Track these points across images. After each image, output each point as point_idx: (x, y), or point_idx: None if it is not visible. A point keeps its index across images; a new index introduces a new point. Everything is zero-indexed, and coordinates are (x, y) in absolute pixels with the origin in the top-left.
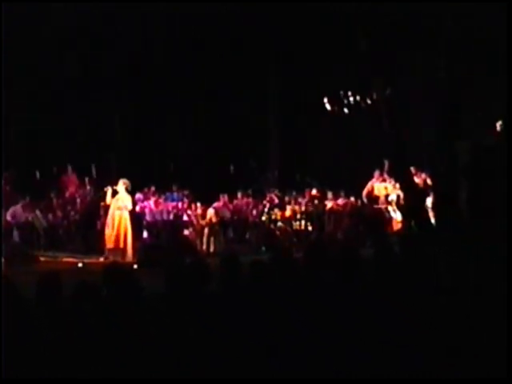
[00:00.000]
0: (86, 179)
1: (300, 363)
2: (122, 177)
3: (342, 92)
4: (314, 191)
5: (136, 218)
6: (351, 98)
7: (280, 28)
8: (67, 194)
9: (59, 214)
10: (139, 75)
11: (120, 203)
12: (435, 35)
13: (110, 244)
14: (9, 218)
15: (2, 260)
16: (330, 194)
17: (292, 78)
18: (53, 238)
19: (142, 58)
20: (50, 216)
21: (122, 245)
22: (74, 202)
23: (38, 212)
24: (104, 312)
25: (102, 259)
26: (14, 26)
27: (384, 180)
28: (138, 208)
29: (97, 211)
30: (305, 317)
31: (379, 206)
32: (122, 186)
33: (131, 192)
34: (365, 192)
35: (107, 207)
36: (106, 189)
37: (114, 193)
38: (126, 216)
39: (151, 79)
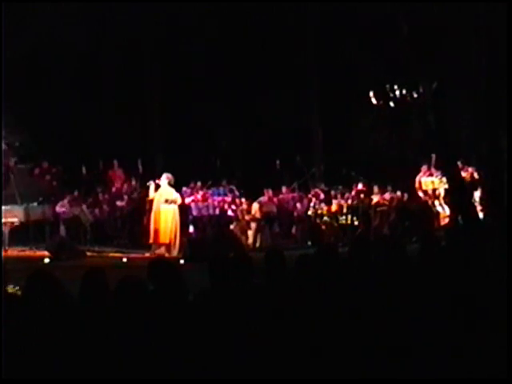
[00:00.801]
0: (132, 174)
1: (345, 358)
2: (168, 172)
3: (387, 86)
4: (360, 186)
5: (182, 212)
6: (397, 92)
7: (323, 20)
8: (113, 189)
9: (105, 208)
10: (185, 71)
11: (164, 198)
12: (475, 23)
13: (156, 239)
14: (56, 213)
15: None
16: (376, 189)
17: (337, 71)
18: (99, 232)
19: (188, 54)
20: (97, 211)
21: (168, 240)
22: (120, 197)
23: (84, 207)
24: (149, 307)
25: (148, 254)
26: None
27: (431, 174)
28: (184, 205)
29: (143, 206)
30: (350, 312)
31: (426, 201)
32: (165, 180)
33: (177, 187)
34: (416, 186)
35: (152, 202)
36: (148, 183)
37: (157, 187)
38: (174, 210)
39: (198, 74)
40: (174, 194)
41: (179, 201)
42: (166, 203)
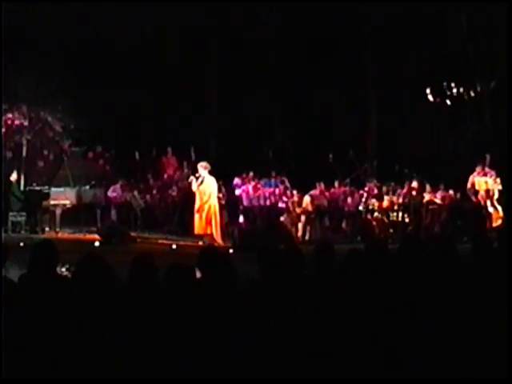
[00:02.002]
0: (185, 162)
1: (393, 355)
2: (220, 161)
3: (445, 83)
4: (414, 183)
5: (232, 202)
6: (454, 90)
7: (380, 17)
8: (165, 176)
9: (157, 195)
10: (242, 61)
11: (204, 188)
12: None
13: (199, 230)
14: (108, 197)
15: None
16: (428, 187)
17: (392, 67)
18: (149, 218)
19: (246, 44)
20: (148, 197)
21: (209, 230)
22: (171, 184)
23: (135, 192)
24: (197, 295)
25: (201, 243)
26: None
27: (485, 174)
28: (235, 195)
29: (193, 195)
30: (398, 309)
31: (479, 201)
32: (202, 169)
33: (228, 176)
34: (468, 186)
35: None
36: (190, 179)
37: (197, 179)
38: (214, 201)
39: (255, 65)
40: (211, 185)
41: (211, 187)
42: (204, 197)
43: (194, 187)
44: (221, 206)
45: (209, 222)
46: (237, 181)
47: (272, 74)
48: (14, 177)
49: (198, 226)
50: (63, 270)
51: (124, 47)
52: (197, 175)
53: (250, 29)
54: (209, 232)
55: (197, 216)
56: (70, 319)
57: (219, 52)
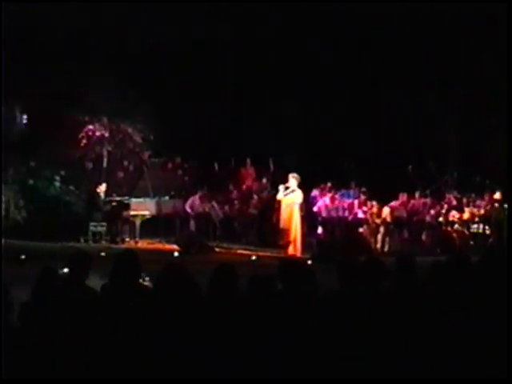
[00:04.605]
0: (263, 173)
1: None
2: (299, 172)
3: None
4: (497, 195)
5: (311, 213)
6: None
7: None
8: (244, 187)
9: (236, 206)
10: (320, 73)
11: (291, 199)
12: None
13: (282, 239)
14: (187, 208)
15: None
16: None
17: (476, 77)
18: (228, 229)
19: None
20: (227, 208)
21: (291, 238)
22: (250, 195)
23: (214, 203)
24: (279, 306)
25: (282, 254)
26: None
27: None
28: (314, 205)
29: (272, 205)
30: (482, 323)
31: None
32: (293, 180)
33: (306, 187)
34: None
35: (280, 202)
36: (279, 187)
37: (287, 189)
38: (296, 210)
39: (332, 75)
40: (298, 196)
41: (299, 201)
42: (288, 205)
43: (280, 195)
44: (301, 218)
45: (290, 231)
46: (315, 192)
47: (351, 85)
48: (101, 189)
49: (281, 235)
50: (146, 280)
51: (202, 58)
52: (286, 185)
53: (325, 40)
54: (291, 239)
55: (281, 225)
56: (153, 329)
57: (295, 61)
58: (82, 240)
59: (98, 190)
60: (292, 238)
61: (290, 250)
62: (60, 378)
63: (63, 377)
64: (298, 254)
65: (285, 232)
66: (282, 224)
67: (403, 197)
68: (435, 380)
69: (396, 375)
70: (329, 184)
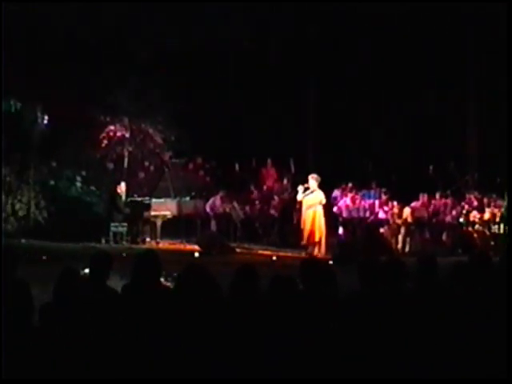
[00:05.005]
0: (284, 174)
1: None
2: (320, 173)
3: None
4: None
5: (332, 213)
6: None
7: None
8: (265, 188)
9: (257, 206)
10: (342, 72)
11: (311, 200)
12: None
13: (304, 240)
14: (208, 209)
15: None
16: None
17: (494, 76)
18: (249, 230)
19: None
20: (248, 208)
21: (316, 239)
22: (271, 195)
23: (235, 203)
24: (300, 306)
25: (303, 254)
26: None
27: None
28: (334, 206)
29: (293, 206)
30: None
31: None
32: (313, 181)
33: (327, 187)
34: None
35: (301, 203)
36: (298, 188)
37: (306, 190)
38: (320, 211)
39: (354, 76)
40: (318, 197)
41: (323, 201)
42: (310, 208)
43: (300, 196)
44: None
45: (316, 232)
46: (336, 193)
47: (371, 85)
48: (121, 188)
49: (304, 236)
50: (167, 280)
51: (224, 58)
52: (306, 186)
53: (349, 41)
54: (317, 240)
55: (303, 226)
56: (174, 330)
57: (319, 64)
58: (103, 240)
59: (119, 190)
60: (317, 238)
61: (316, 251)
62: (80, 378)
63: (83, 377)
64: (323, 255)
65: (307, 233)
66: (303, 225)
67: (424, 197)
68: (449, 380)
69: (417, 376)
70: (350, 184)
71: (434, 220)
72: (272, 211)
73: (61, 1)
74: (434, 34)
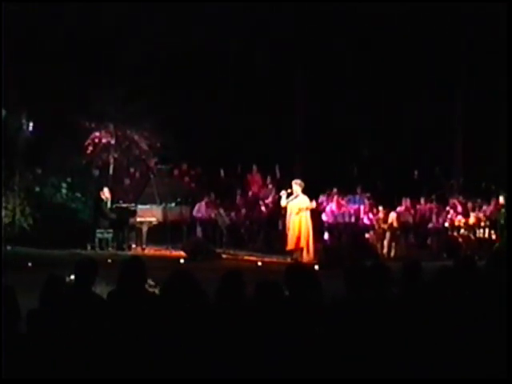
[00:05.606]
0: (269, 179)
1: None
2: (305, 178)
3: None
4: (501, 199)
5: (317, 219)
6: None
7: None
8: (250, 194)
9: (242, 212)
10: (329, 79)
11: (297, 205)
12: None
13: (291, 245)
14: (195, 212)
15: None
16: None
17: (483, 82)
18: (234, 236)
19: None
20: (233, 214)
21: (302, 244)
22: (256, 201)
23: (221, 210)
24: (286, 312)
25: (289, 260)
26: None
27: None
28: (322, 210)
29: (279, 212)
30: (489, 328)
31: None
32: (297, 187)
33: (312, 193)
34: None
35: (286, 209)
36: (281, 193)
37: (289, 195)
38: (306, 216)
39: (341, 82)
40: (305, 203)
41: (311, 205)
42: (297, 214)
43: (284, 202)
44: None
45: (302, 237)
46: (322, 198)
47: (359, 91)
48: (104, 194)
49: (289, 241)
50: (151, 285)
51: (209, 65)
52: (289, 191)
53: (336, 43)
54: (302, 246)
55: (289, 232)
56: (160, 336)
57: (305, 69)
58: (88, 247)
59: (102, 196)
60: (304, 244)
61: (303, 257)
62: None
63: (70, 382)
64: (311, 260)
65: (294, 238)
66: (289, 230)
67: (406, 202)
68: (438, 380)
69: (403, 380)
70: (335, 190)
71: (419, 225)
72: (257, 217)
73: (47, 3)
74: (421, 39)
